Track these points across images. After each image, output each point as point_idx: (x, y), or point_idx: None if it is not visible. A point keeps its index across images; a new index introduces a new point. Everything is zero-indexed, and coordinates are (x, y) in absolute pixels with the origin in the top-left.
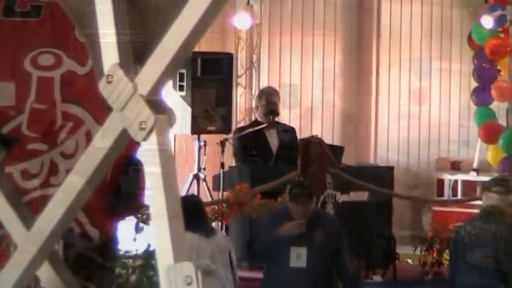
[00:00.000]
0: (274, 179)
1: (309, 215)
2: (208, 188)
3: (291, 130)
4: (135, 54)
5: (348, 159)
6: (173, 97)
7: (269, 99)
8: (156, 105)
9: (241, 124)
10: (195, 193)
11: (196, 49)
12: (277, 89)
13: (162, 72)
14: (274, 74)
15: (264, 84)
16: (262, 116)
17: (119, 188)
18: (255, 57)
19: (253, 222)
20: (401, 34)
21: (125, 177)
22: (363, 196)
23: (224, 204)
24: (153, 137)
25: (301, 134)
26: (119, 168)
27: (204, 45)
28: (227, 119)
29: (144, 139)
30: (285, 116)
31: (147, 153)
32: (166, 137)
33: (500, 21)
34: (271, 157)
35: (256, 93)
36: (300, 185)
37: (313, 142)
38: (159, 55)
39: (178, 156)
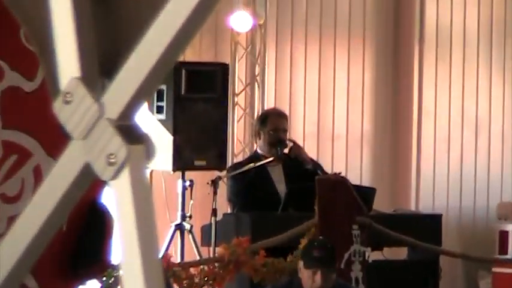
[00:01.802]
0: (283, 230)
1: None
2: (195, 243)
3: (305, 166)
4: (101, 65)
5: (381, 204)
6: (150, 122)
7: (276, 125)
8: (129, 132)
9: (240, 158)
10: (178, 249)
11: (181, 59)
12: (287, 111)
13: (137, 90)
14: (283, 91)
15: (269, 104)
16: (266, 147)
17: (78, 242)
18: (257, 70)
19: None
20: (451, 41)
21: (86, 228)
22: (400, 253)
23: (217, 264)
24: (126, 175)
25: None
26: (79, 216)
27: (190, 54)
28: (221, 151)
29: (114, 177)
30: None
31: (118, 196)
32: (143, 174)
33: None
34: (278, 201)
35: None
36: (322, 246)
37: (336, 182)
38: (132, 67)
39: (156, 200)
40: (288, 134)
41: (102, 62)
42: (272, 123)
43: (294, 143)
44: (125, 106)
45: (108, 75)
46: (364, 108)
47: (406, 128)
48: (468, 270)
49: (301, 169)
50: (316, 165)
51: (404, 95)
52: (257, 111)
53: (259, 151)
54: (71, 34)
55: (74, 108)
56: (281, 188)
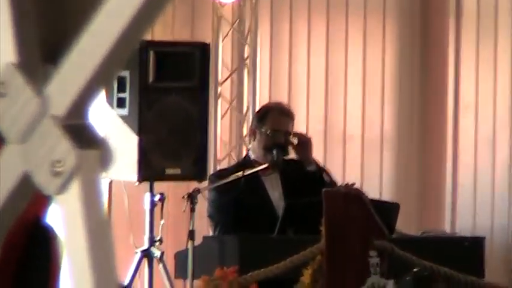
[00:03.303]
0: (280, 258)
1: None
2: (167, 274)
3: (306, 167)
4: (45, 49)
5: (406, 224)
6: (108, 119)
7: (276, 125)
8: (80, 133)
9: (224, 165)
10: (146, 282)
11: (148, 37)
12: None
13: (90, 79)
14: (281, 79)
15: (262, 96)
16: (260, 151)
17: (16, 276)
18: (247, 51)
19: None
20: (497, 13)
21: (27, 258)
22: None
23: None
24: (76, 188)
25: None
26: (17, 242)
27: (161, 31)
28: (200, 155)
29: (60, 191)
30: None
31: (66, 216)
32: (98, 187)
33: None
34: (274, 220)
35: (250, 110)
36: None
37: (348, 196)
38: (84, 50)
39: (117, 220)
40: (291, 138)
41: (46, 44)
42: (272, 121)
43: (303, 136)
44: (74, 100)
45: (54, 61)
46: (385, 102)
47: (438, 127)
48: None
49: (301, 173)
50: (323, 172)
51: (436, 84)
52: (246, 104)
53: (251, 155)
54: (5, 9)
55: (9, 103)
56: (278, 203)
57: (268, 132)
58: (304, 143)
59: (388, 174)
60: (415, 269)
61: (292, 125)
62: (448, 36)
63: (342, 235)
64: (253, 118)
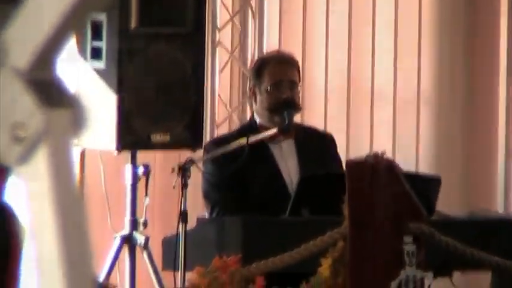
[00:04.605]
0: (293, 245)
1: None
2: (153, 264)
3: (327, 141)
4: None
5: (449, 203)
6: (81, 73)
7: (277, 77)
8: (47, 90)
9: (224, 130)
10: (127, 273)
11: None
12: (299, 56)
13: (57, 24)
14: (294, 24)
15: (271, 45)
16: (265, 113)
17: None
18: None
19: None
20: None
21: None
22: (481, 281)
23: None
24: (41, 158)
25: (351, 152)
26: None
27: None
28: (194, 119)
29: (23, 161)
30: (314, 112)
31: (29, 193)
32: (68, 156)
33: None
34: (285, 199)
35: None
36: None
37: (377, 168)
38: None
39: (92, 197)
40: (299, 88)
41: None
42: (270, 74)
43: None
44: (39, 49)
45: (14, 1)
46: (422, 53)
47: (488, 84)
48: None
49: (326, 149)
50: None
51: (484, 32)
52: (251, 55)
53: (257, 119)
54: None
55: None
56: (291, 176)
57: (268, 89)
58: None
59: (427, 142)
60: None
61: (299, 74)
62: None
63: (369, 216)
64: (251, 75)
